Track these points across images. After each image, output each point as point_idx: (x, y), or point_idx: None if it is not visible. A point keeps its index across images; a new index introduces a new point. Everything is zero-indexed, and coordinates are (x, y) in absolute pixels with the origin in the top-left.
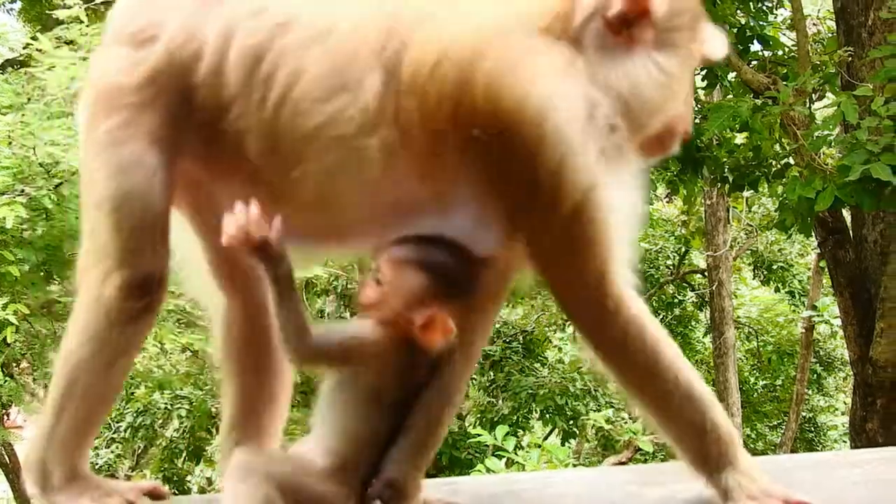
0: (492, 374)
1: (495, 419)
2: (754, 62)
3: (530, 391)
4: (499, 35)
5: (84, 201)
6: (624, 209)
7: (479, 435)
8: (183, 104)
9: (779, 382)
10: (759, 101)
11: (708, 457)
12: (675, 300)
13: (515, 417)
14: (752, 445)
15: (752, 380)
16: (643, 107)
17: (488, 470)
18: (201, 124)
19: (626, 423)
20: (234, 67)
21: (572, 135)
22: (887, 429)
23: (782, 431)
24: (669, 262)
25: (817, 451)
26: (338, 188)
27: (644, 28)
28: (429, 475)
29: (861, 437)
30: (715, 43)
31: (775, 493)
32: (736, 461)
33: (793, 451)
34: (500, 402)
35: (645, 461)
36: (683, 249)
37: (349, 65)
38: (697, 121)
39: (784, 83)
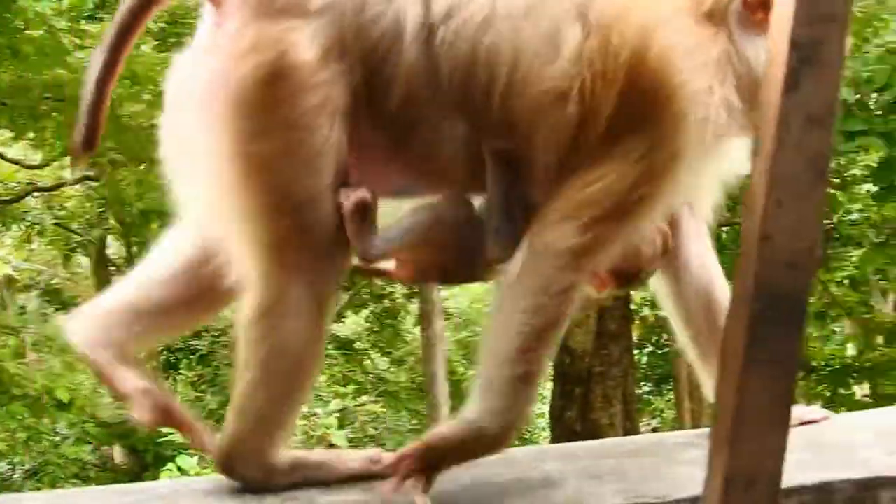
0: (199, 368)
1: (203, 415)
2: None
3: None
4: (672, 13)
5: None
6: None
7: (172, 432)
8: (366, 79)
9: None
10: None
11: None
12: (385, 291)
13: (223, 413)
14: None
15: (462, 370)
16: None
17: (179, 469)
18: (372, 103)
19: (320, 418)
20: (451, 63)
21: (702, 129)
22: (585, 418)
23: None
24: None
25: (525, 439)
26: (539, 144)
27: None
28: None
29: (560, 425)
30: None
31: None
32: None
33: None
34: (208, 396)
35: None
36: None
37: (557, 31)
38: None
39: None
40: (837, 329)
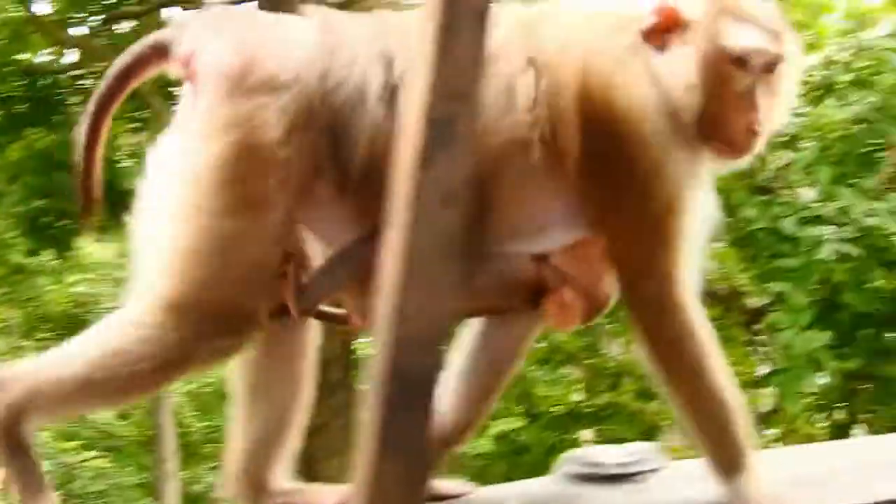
0: None
1: None
2: None
3: None
4: (612, 32)
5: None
6: (702, 214)
7: None
8: (331, 144)
9: (220, 423)
10: None
11: (726, 460)
12: None
13: None
14: (190, 489)
15: (192, 422)
16: (679, 105)
17: None
18: (344, 160)
19: None
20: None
21: (666, 136)
22: (309, 468)
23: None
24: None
25: None
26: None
27: (677, 33)
28: None
29: None
30: (738, 37)
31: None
32: (750, 467)
33: None
34: None
35: None
36: None
37: (512, 81)
38: None
39: None
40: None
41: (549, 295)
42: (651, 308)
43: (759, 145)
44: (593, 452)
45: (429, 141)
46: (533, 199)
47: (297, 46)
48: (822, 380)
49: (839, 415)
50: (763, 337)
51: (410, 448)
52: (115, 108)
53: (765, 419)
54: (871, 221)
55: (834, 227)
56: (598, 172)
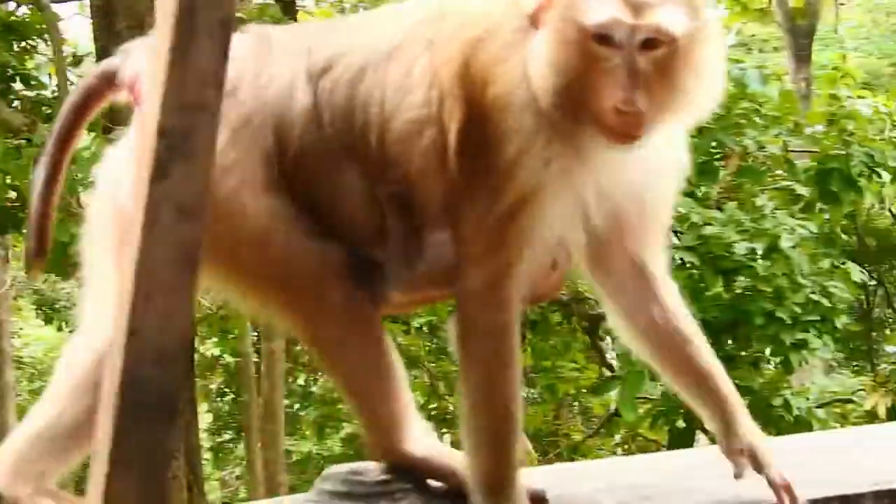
0: None
1: None
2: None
3: None
4: (505, 15)
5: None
6: (565, 210)
7: None
8: (272, 143)
9: None
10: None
11: (493, 476)
12: None
13: None
14: None
15: None
16: (540, 85)
17: None
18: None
19: None
20: (332, 109)
21: (531, 132)
22: None
23: None
24: None
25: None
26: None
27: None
28: None
29: None
30: (593, 10)
31: None
32: (515, 491)
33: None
34: None
35: None
36: None
37: (413, 63)
38: None
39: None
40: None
41: None
42: (475, 299)
43: (647, 128)
44: (355, 468)
45: (162, 153)
46: (438, 180)
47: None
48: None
49: (680, 422)
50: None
51: (146, 466)
52: (74, 145)
53: (605, 426)
54: (709, 230)
55: (672, 235)
56: (464, 156)
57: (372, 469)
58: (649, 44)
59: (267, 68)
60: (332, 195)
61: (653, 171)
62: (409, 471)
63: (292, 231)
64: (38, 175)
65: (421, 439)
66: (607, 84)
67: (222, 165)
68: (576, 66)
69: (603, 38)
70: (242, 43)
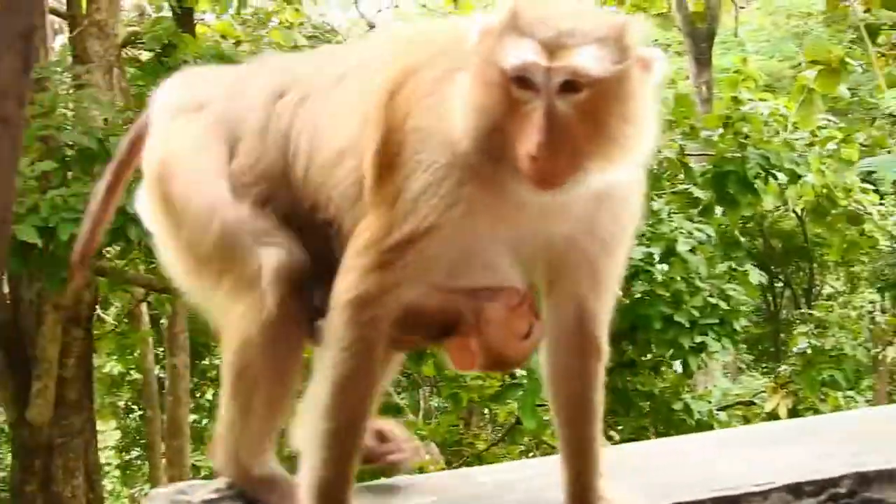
0: None
1: None
2: None
3: None
4: (446, 49)
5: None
6: (454, 256)
7: None
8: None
9: None
10: None
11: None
12: None
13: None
14: None
15: None
16: (462, 125)
17: None
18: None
19: None
20: (275, 133)
21: (445, 169)
22: (46, 491)
23: None
24: None
25: None
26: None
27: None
28: None
29: (21, 499)
30: (510, 53)
31: None
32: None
33: None
34: None
35: None
36: None
37: (353, 96)
38: None
39: None
40: None
41: (455, 336)
42: (346, 310)
43: (569, 176)
44: (182, 487)
45: None
46: (358, 211)
47: (213, 80)
48: None
49: None
50: None
51: None
52: (130, 172)
53: (510, 433)
54: None
55: None
56: (375, 180)
57: (199, 487)
58: (569, 86)
59: (245, 87)
60: (281, 214)
61: (595, 219)
62: (242, 491)
63: (243, 212)
64: (96, 195)
65: (270, 463)
66: (524, 128)
67: (193, 146)
68: (496, 108)
69: (521, 80)
70: (226, 69)
